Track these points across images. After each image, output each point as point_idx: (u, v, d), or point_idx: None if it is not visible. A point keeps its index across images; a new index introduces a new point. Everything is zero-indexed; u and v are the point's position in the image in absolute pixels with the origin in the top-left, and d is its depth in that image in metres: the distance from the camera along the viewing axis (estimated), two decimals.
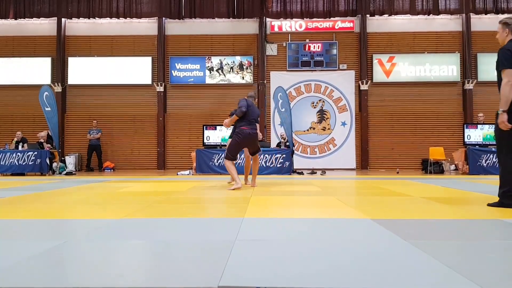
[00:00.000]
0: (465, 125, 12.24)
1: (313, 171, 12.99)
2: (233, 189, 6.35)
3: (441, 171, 13.21)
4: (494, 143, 11.62)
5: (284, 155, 11.88)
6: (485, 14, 16.15)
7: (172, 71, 16.43)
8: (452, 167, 12.93)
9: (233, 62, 16.36)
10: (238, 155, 7.29)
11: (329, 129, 16.16)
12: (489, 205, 4.32)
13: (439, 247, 2.54)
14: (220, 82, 16.27)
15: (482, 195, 5.58)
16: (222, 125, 12.67)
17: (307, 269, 2.06)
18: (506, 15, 15.84)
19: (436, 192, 6.21)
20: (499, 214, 3.89)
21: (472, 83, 15.88)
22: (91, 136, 15.23)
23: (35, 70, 16.51)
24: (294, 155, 12.55)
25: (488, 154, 11.49)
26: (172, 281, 1.90)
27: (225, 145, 12.23)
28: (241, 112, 6.78)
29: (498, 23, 4.41)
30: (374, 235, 2.97)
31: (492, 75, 16.67)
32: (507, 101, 4.04)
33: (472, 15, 16.10)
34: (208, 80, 16.28)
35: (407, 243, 2.59)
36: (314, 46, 16.23)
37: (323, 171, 13.06)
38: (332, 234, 3.07)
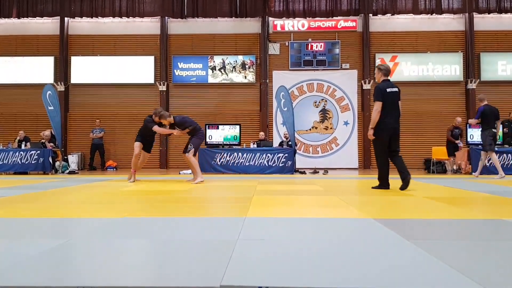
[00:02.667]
0: (467, 125, 12.21)
1: (315, 171, 12.98)
2: (197, 183, 7.69)
3: (443, 170, 13.19)
4: (497, 143, 11.68)
5: (286, 155, 11.87)
6: (488, 13, 16.10)
7: (175, 70, 16.44)
8: (455, 167, 12.91)
9: (236, 61, 16.36)
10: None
11: (331, 128, 16.15)
12: (373, 188, 6.57)
13: (442, 247, 2.53)
14: (223, 82, 16.28)
15: (485, 195, 5.57)
16: (225, 124, 12.72)
17: (309, 268, 2.06)
18: (509, 15, 15.81)
19: (439, 191, 6.20)
20: (502, 214, 3.89)
21: (475, 82, 15.85)
22: (94, 135, 15.26)
23: (38, 69, 16.55)
24: (296, 155, 12.53)
25: None
26: (174, 280, 1.90)
27: (228, 145, 12.24)
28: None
29: (376, 67, 6.93)
30: (377, 235, 2.96)
31: (495, 75, 16.57)
32: (374, 122, 6.28)
33: (475, 15, 16.05)
34: (211, 80, 16.29)
35: (410, 243, 2.59)
36: (317, 45, 16.22)
37: (326, 170, 13.05)
38: (335, 233, 3.07)
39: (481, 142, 10.17)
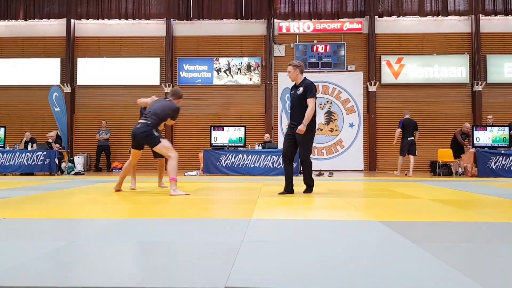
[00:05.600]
0: (474, 127, 12.15)
1: (320, 173, 12.95)
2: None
3: (449, 173, 13.13)
4: (504, 145, 11.66)
5: None
6: (495, 15, 16.02)
7: (180, 72, 16.47)
8: (460, 169, 12.85)
9: (241, 63, 16.37)
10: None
11: (336, 130, 16.12)
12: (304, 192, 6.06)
13: (448, 250, 2.52)
14: (228, 83, 16.29)
15: (491, 198, 5.54)
16: (230, 126, 12.72)
17: (314, 270, 2.06)
18: None
19: (445, 194, 6.17)
20: (510, 217, 3.86)
21: (481, 84, 15.77)
22: (100, 136, 15.30)
23: (44, 71, 16.62)
24: None
25: (497, 157, 11.41)
26: (179, 281, 1.90)
27: (233, 146, 12.23)
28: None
29: (289, 65, 5.99)
30: (382, 237, 2.95)
31: (502, 77, 16.56)
32: (308, 119, 5.73)
33: (482, 16, 15.98)
34: (216, 81, 16.30)
35: (416, 245, 2.58)
36: (322, 47, 16.20)
37: (331, 172, 13.02)
38: (340, 236, 3.06)
39: (486, 145, 11.76)
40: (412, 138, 12.05)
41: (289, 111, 12.73)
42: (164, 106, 6.12)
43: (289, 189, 5.99)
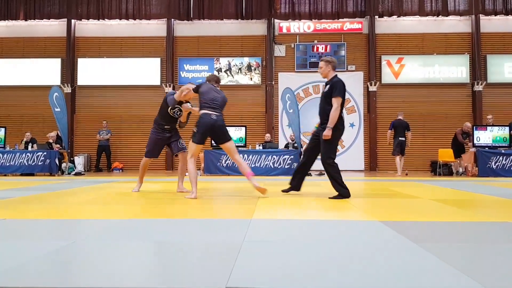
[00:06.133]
0: (474, 127, 12.15)
1: (321, 173, 12.93)
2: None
3: (450, 173, 13.12)
4: (504, 145, 11.66)
5: (292, 156, 11.86)
6: (495, 15, 16.02)
7: (181, 72, 16.48)
8: (461, 169, 12.85)
9: (241, 63, 16.37)
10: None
11: None
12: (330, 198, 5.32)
13: (449, 250, 2.52)
14: (228, 83, 16.28)
15: (492, 198, 5.53)
16: (231, 126, 12.69)
17: (315, 270, 2.06)
18: None
19: (446, 194, 6.17)
20: (510, 217, 3.86)
21: (481, 84, 15.77)
22: (101, 136, 15.30)
23: (45, 71, 16.63)
24: (302, 156, 12.51)
25: (498, 156, 11.41)
26: (180, 282, 1.90)
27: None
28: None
29: (321, 60, 5.65)
30: (383, 237, 2.95)
31: (502, 77, 16.57)
32: (334, 121, 5.27)
33: (482, 16, 15.98)
34: None
35: (417, 245, 2.57)
36: (322, 47, 16.20)
37: None
38: (341, 236, 3.05)
39: (487, 145, 11.84)
40: (403, 138, 12.29)
41: (290, 111, 12.69)
42: (224, 97, 5.74)
43: (293, 183, 5.77)
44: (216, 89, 5.70)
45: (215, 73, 16.22)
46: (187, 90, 5.74)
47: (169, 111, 6.14)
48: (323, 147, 5.40)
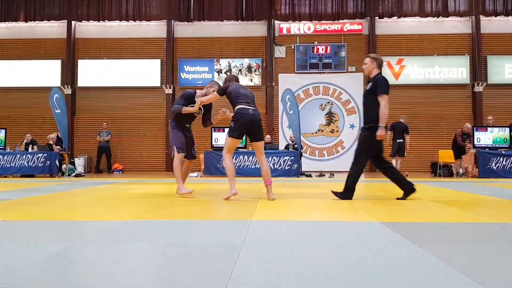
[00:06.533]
0: (474, 128, 12.14)
1: (321, 174, 12.95)
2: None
3: (450, 174, 13.12)
4: (504, 146, 11.65)
5: (292, 158, 11.85)
6: (495, 16, 16.02)
7: (181, 74, 16.48)
8: (461, 170, 12.85)
9: (242, 64, 16.38)
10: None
11: (337, 131, 16.12)
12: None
13: (449, 251, 2.52)
14: None
15: (492, 198, 5.53)
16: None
17: (315, 271, 2.06)
18: None
19: (446, 195, 6.16)
20: (510, 217, 3.86)
21: (481, 85, 15.76)
22: (101, 138, 15.29)
23: (45, 73, 16.63)
24: (302, 158, 12.51)
25: (498, 157, 11.40)
26: (179, 283, 1.90)
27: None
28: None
29: (367, 57, 5.42)
30: (383, 238, 2.95)
31: (502, 78, 16.58)
32: (384, 119, 5.08)
33: (482, 17, 15.98)
34: None
35: (417, 246, 2.57)
36: (323, 48, 16.20)
37: (332, 173, 13.01)
38: (341, 237, 3.05)
39: (487, 146, 11.83)
40: (401, 140, 12.40)
41: (290, 113, 12.65)
42: (252, 93, 5.59)
43: (404, 188, 5.28)
44: (242, 85, 5.65)
45: (215, 74, 16.23)
46: (213, 96, 5.67)
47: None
48: (360, 144, 5.35)
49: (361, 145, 5.35)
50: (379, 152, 5.41)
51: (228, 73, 16.32)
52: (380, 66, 5.32)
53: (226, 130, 12.32)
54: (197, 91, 6.02)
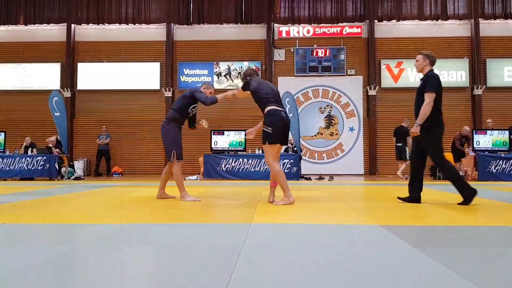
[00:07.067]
0: (474, 131, 12.15)
1: (321, 177, 12.95)
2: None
3: None
4: (504, 149, 11.66)
5: (291, 160, 11.85)
6: (494, 19, 16.05)
7: (180, 77, 16.49)
8: (461, 173, 12.86)
9: (241, 67, 16.39)
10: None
11: (337, 134, 16.12)
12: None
13: (449, 254, 2.51)
14: (228, 88, 16.28)
15: (492, 202, 5.53)
16: (230, 130, 12.72)
17: (315, 275, 2.05)
18: None
19: (446, 198, 6.16)
20: (510, 221, 3.86)
21: (481, 88, 15.79)
22: (100, 141, 15.29)
23: (44, 76, 16.64)
24: (301, 161, 12.51)
25: (498, 160, 11.40)
26: (179, 286, 1.89)
27: (233, 150, 12.22)
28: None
29: (419, 53, 5.30)
30: (383, 241, 2.94)
31: (501, 81, 16.60)
32: (423, 117, 5.02)
33: (481, 20, 16.01)
34: (216, 86, 16.29)
35: (416, 249, 2.57)
36: (322, 51, 16.22)
37: (331, 176, 13.01)
38: (341, 240, 3.05)
39: (486, 149, 11.92)
40: (400, 144, 12.70)
41: (290, 115, 12.74)
42: (278, 90, 5.40)
43: (412, 195, 5.29)
44: (267, 81, 5.43)
45: (215, 77, 16.24)
46: (236, 91, 5.57)
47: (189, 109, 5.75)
48: (428, 148, 5.19)
49: (430, 149, 5.23)
50: (423, 150, 5.30)
51: (228, 76, 16.34)
52: (432, 63, 5.22)
53: (225, 133, 12.38)
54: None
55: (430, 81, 5.05)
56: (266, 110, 5.10)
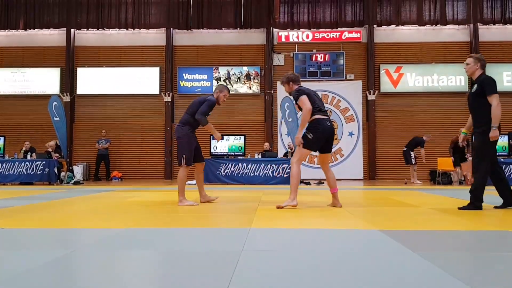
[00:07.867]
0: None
1: (320, 181, 12.93)
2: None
3: (449, 182, 13.11)
4: (503, 153, 11.66)
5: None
6: (493, 24, 16.10)
7: (180, 81, 16.51)
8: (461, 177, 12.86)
9: (241, 72, 16.41)
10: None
11: (336, 139, 16.11)
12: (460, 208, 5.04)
13: (448, 259, 2.51)
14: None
15: (491, 206, 5.52)
16: (230, 135, 12.72)
17: (315, 281, 2.05)
18: None
19: (445, 203, 6.16)
20: (509, 226, 3.86)
21: None
22: (100, 145, 15.28)
23: (44, 80, 16.65)
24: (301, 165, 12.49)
25: None
26: None
27: (232, 155, 12.21)
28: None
29: (469, 57, 5.24)
30: (383, 246, 2.94)
31: (500, 86, 16.59)
32: (497, 120, 4.99)
33: (480, 26, 16.05)
34: None
35: (416, 254, 2.57)
36: (321, 56, 16.25)
37: None
38: (340, 245, 3.05)
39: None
40: (405, 148, 12.96)
41: (289, 120, 12.66)
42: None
43: (506, 200, 5.15)
44: (310, 89, 5.47)
45: (214, 82, 16.25)
46: (219, 135, 5.94)
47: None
48: (478, 153, 5.16)
49: (479, 152, 5.17)
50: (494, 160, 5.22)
51: (227, 81, 16.34)
52: (483, 66, 5.19)
53: (225, 137, 12.37)
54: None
55: (490, 84, 5.07)
56: (312, 118, 5.18)
